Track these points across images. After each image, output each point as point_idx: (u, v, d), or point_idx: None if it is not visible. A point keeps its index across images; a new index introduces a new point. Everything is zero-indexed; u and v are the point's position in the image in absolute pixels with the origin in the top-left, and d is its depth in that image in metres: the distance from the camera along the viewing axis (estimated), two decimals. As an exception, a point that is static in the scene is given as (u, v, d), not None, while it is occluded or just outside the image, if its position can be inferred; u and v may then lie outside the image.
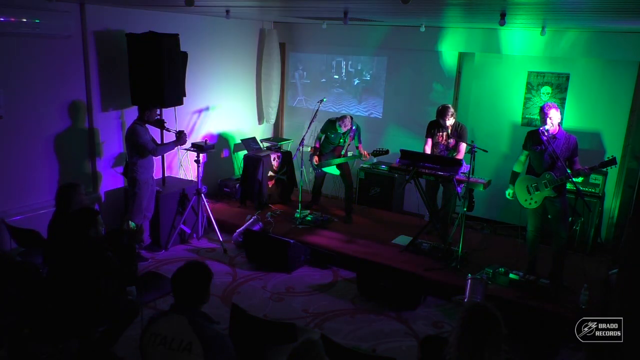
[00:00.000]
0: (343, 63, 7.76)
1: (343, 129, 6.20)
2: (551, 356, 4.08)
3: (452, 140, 5.67)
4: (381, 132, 7.49)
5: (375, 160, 7.43)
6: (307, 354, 2.20)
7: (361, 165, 7.34)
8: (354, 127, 6.27)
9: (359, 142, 6.28)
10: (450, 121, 5.58)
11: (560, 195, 4.77)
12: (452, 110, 5.58)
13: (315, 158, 6.50)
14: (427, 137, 5.84)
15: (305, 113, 7.89)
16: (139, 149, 5.26)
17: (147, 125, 5.37)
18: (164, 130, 5.65)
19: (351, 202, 6.64)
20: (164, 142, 5.79)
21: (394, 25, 7.08)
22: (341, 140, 6.34)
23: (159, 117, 5.59)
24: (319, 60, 7.96)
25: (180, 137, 5.45)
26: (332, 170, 6.39)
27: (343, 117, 6.22)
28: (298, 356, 2.20)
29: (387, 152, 6.00)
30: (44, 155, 5.32)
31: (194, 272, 2.52)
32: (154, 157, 5.48)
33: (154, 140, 5.47)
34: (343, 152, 6.38)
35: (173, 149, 5.61)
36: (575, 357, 4.06)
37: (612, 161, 4.47)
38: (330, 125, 6.35)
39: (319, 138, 6.52)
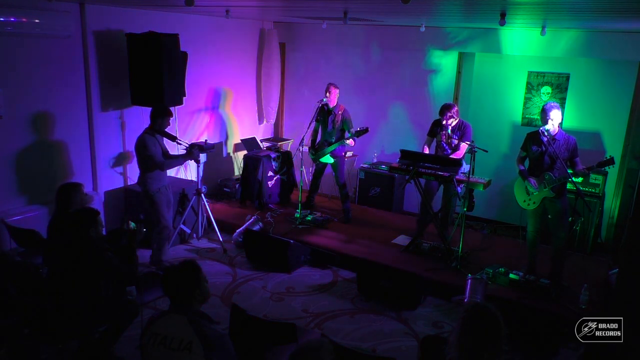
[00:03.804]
0: (343, 63, 7.76)
1: (327, 99, 6.12)
2: (551, 356, 4.08)
3: (455, 140, 5.64)
4: (380, 132, 7.50)
5: (375, 160, 7.45)
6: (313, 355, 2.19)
7: (361, 165, 7.36)
8: (340, 107, 6.21)
9: (350, 127, 6.19)
10: (451, 121, 5.53)
11: (560, 195, 4.76)
12: (453, 109, 5.46)
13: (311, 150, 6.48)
14: (428, 134, 5.81)
15: (305, 113, 7.88)
16: (147, 161, 4.98)
17: (157, 135, 5.07)
18: (176, 143, 5.37)
19: (347, 201, 6.61)
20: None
21: (394, 25, 7.08)
22: (332, 128, 6.26)
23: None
24: (319, 60, 7.95)
25: (192, 151, 5.15)
26: (327, 159, 6.38)
27: (328, 86, 6.19)
28: (302, 356, 2.19)
29: (367, 129, 6.01)
30: (44, 155, 5.32)
31: (181, 272, 2.51)
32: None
33: (165, 153, 5.15)
34: (333, 139, 6.32)
35: (182, 164, 5.35)
36: (575, 357, 4.06)
37: (610, 161, 4.47)
38: (319, 109, 6.30)
39: (315, 130, 6.49)
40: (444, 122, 5.49)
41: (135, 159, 6.19)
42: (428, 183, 5.79)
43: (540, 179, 4.77)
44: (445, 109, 5.47)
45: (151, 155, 4.94)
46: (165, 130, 5.13)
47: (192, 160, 5.34)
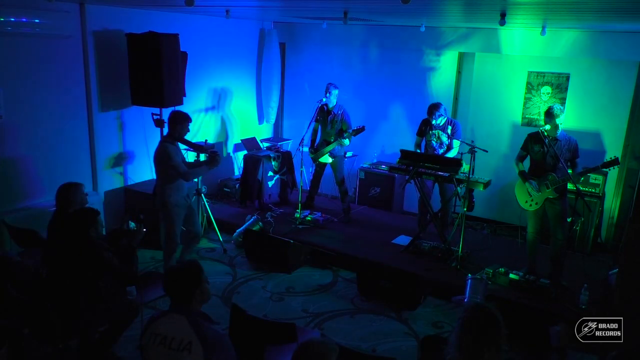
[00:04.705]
0: (343, 63, 7.76)
1: (326, 99, 6.14)
2: (551, 356, 4.07)
3: (446, 138, 5.68)
4: (380, 132, 7.49)
5: (375, 160, 7.45)
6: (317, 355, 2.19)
7: (361, 165, 7.36)
8: (340, 108, 6.23)
9: (348, 127, 6.19)
10: (439, 120, 5.57)
11: (561, 196, 4.77)
12: (441, 108, 5.54)
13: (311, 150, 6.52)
14: (418, 134, 5.85)
15: (305, 113, 7.88)
16: (169, 172, 4.56)
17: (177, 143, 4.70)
18: (196, 152, 5.05)
19: (347, 201, 6.61)
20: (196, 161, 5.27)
21: (393, 25, 7.08)
22: (331, 128, 6.28)
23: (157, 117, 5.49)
24: (319, 60, 7.95)
25: (214, 159, 4.72)
26: (326, 158, 6.40)
27: (327, 86, 6.20)
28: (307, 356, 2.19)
29: (363, 128, 6.03)
30: (44, 155, 5.32)
31: (182, 272, 2.51)
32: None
33: (184, 161, 4.79)
34: (332, 139, 6.33)
35: (206, 172, 4.91)
36: (575, 357, 4.05)
37: (615, 161, 4.46)
38: (319, 109, 6.30)
39: (314, 130, 6.51)
40: (433, 121, 5.55)
41: (135, 158, 6.23)
42: (423, 182, 5.80)
43: (543, 180, 4.76)
44: (433, 109, 5.54)
45: (175, 165, 4.53)
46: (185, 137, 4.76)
47: (214, 167, 4.85)
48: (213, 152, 4.77)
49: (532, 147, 4.86)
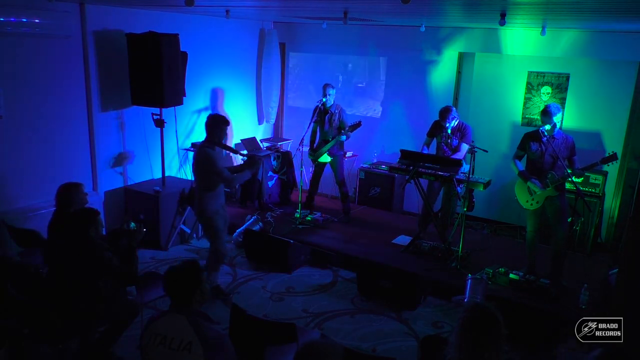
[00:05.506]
0: (343, 63, 7.76)
1: (325, 99, 6.17)
2: (551, 356, 4.08)
3: (455, 141, 5.65)
4: (380, 132, 7.49)
5: (375, 160, 7.45)
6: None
7: (361, 165, 7.36)
8: (337, 107, 6.26)
9: (346, 125, 6.22)
10: (452, 122, 5.54)
11: (560, 194, 4.78)
12: (453, 111, 5.51)
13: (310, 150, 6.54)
14: (428, 135, 5.82)
15: (305, 113, 7.89)
16: (212, 178, 4.40)
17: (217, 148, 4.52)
18: (235, 155, 4.89)
19: (347, 200, 6.62)
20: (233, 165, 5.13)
21: (393, 25, 7.08)
22: (329, 127, 6.31)
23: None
24: (319, 60, 7.96)
25: (253, 162, 4.55)
26: (325, 157, 6.41)
27: (324, 87, 6.23)
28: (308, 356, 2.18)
29: (359, 123, 6.13)
30: (44, 155, 5.32)
31: (183, 272, 2.51)
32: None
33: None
34: (330, 138, 6.34)
35: (249, 177, 4.76)
36: (575, 356, 4.06)
37: (613, 157, 4.46)
38: (316, 110, 6.32)
39: (313, 131, 6.52)
40: (447, 125, 5.50)
41: (135, 158, 6.23)
42: (430, 185, 5.79)
43: (542, 180, 4.77)
44: (446, 112, 5.47)
45: (219, 171, 4.35)
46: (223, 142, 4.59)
47: (254, 171, 4.69)
48: (252, 155, 4.61)
49: (530, 146, 4.86)
